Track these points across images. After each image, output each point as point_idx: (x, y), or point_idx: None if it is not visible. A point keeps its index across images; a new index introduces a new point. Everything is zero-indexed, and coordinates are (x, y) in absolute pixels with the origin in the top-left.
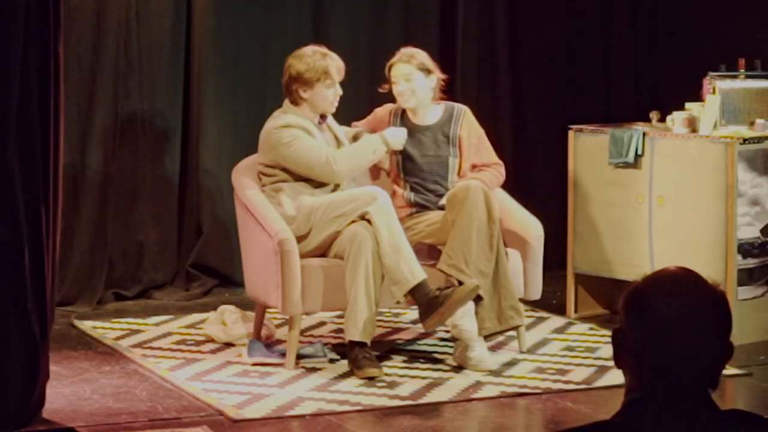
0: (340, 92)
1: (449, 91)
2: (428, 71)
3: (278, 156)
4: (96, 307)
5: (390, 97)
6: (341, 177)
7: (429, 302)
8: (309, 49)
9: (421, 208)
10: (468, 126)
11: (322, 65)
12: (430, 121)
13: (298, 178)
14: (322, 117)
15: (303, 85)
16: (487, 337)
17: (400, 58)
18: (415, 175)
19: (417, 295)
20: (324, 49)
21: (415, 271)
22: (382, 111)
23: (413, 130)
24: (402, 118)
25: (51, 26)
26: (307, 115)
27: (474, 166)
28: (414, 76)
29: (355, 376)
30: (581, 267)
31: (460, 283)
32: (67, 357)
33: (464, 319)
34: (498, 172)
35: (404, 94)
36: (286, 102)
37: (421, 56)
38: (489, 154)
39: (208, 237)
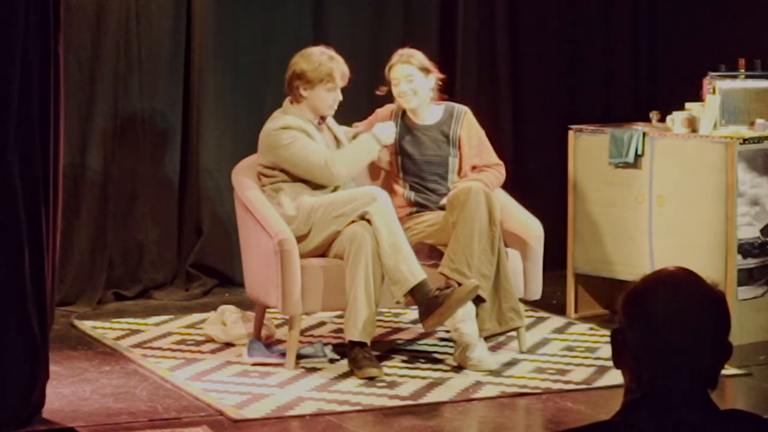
0: (340, 98)
1: (449, 91)
2: (427, 71)
3: (277, 157)
4: (96, 307)
5: (389, 99)
6: (340, 179)
7: (429, 302)
8: (317, 50)
9: (422, 207)
10: (468, 126)
11: (327, 67)
12: (430, 121)
13: (298, 178)
14: (322, 117)
15: (304, 83)
16: (487, 339)
17: (399, 59)
18: (414, 174)
19: (417, 295)
20: (332, 52)
21: (414, 271)
22: (384, 111)
23: (413, 130)
24: (402, 118)
25: (51, 26)
26: (306, 116)
27: (474, 167)
28: (415, 77)
29: (355, 376)
30: (581, 267)
31: (460, 284)
32: (67, 357)
33: (464, 322)
34: (498, 172)
35: (406, 94)
36: (286, 102)
37: (420, 56)
38: (489, 154)
39: (208, 237)
